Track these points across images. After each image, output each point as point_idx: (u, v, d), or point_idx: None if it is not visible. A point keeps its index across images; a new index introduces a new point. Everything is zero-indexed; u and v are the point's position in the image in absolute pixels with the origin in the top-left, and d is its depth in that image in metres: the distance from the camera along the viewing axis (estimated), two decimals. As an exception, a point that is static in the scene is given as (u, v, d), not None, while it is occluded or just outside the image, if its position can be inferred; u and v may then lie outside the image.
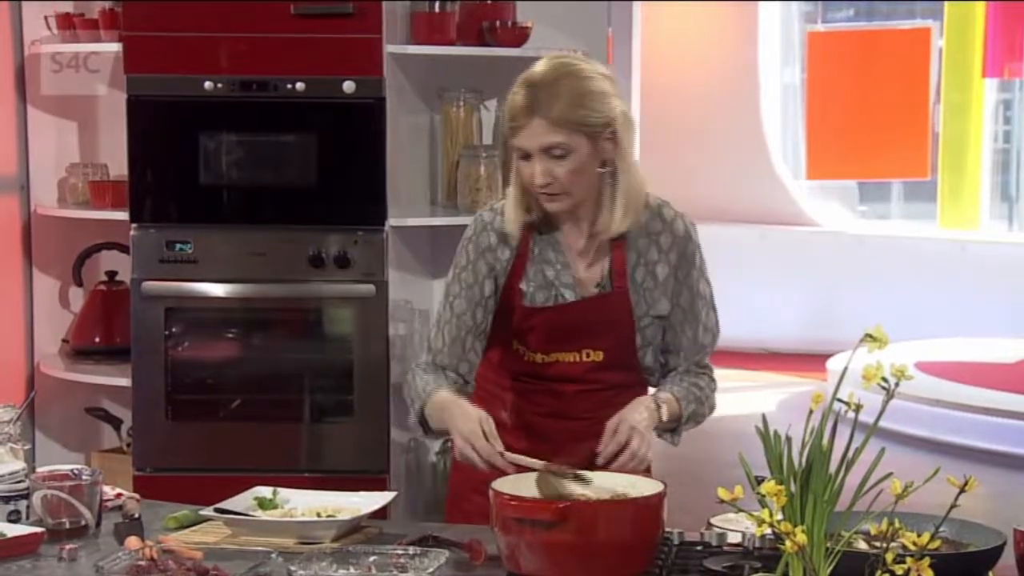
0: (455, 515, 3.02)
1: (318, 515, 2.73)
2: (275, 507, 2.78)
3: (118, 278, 4.89)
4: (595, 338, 2.86)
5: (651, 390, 2.95)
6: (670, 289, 2.89)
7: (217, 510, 2.72)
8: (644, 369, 2.94)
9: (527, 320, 2.87)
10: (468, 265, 2.90)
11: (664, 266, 2.88)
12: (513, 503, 2.37)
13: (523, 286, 2.86)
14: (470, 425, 2.67)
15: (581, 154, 2.73)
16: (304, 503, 2.79)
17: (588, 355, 2.88)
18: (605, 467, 2.68)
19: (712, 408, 2.96)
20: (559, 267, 2.87)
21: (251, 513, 2.73)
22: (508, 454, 2.64)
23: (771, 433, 2.03)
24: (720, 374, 2.99)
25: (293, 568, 2.34)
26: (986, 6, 10.54)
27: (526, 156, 2.75)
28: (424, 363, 2.93)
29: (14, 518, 2.69)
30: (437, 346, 2.93)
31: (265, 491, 2.81)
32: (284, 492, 2.82)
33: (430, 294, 4.81)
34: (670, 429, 2.89)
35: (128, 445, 4.74)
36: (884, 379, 1.96)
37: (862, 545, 2.21)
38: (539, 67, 2.79)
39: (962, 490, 2.02)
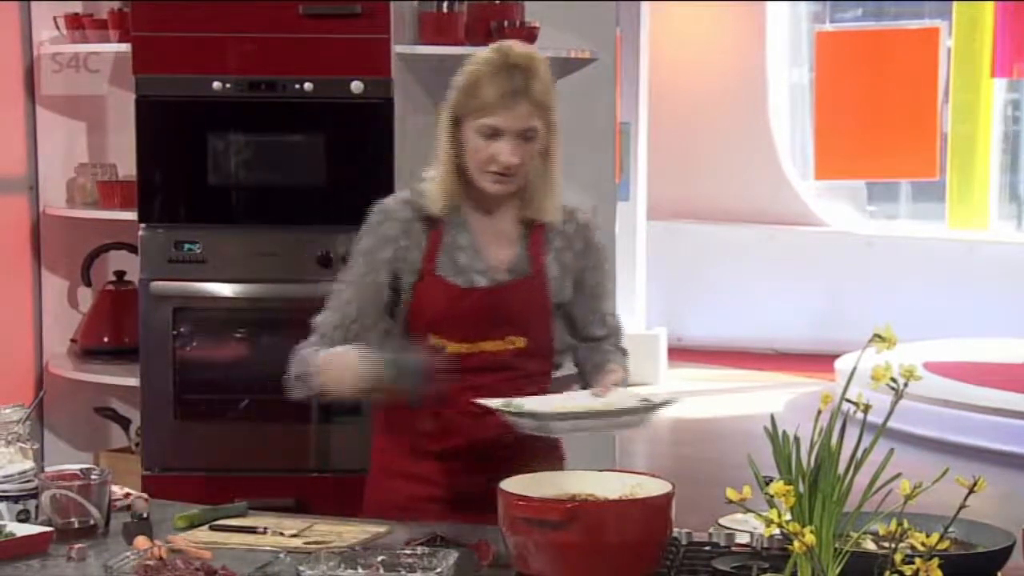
0: (372, 506, 2.90)
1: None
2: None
3: (126, 278, 4.90)
4: (517, 324, 2.81)
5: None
6: (575, 277, 2.88)
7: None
8: (555, 355, 2.94)
9: (450, 308, 2.79)
10: (368, 252, 2.83)
11: (569, 253, 2.87)
12: (521, 503, 2.37)
13: (439, 273, 2.79)
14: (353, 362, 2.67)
15: (542, 137, 2.75)
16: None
17: (512, 342, 2.82)
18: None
19: None
20: (471, 252, 2.81)
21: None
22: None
23: (779, 433, 2.03)
24: (728, 374, 3.00)
25: (302, 568, 2.34)
26: (995, 6, 10.53)
27: (495, 134, 2.73)
28: (312, 343, 2.85)
29: (23, 518, 2.69)
30: (325, 328, 2.86)
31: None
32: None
33: (438, 294, 4.80)
34: None
35: (136, 445, 4.74)
36: (893, 379, 1.96)
37: (871, 546, 2.21)
38: (515, 48, 2.77)
39: (971, 491, 2.01)
